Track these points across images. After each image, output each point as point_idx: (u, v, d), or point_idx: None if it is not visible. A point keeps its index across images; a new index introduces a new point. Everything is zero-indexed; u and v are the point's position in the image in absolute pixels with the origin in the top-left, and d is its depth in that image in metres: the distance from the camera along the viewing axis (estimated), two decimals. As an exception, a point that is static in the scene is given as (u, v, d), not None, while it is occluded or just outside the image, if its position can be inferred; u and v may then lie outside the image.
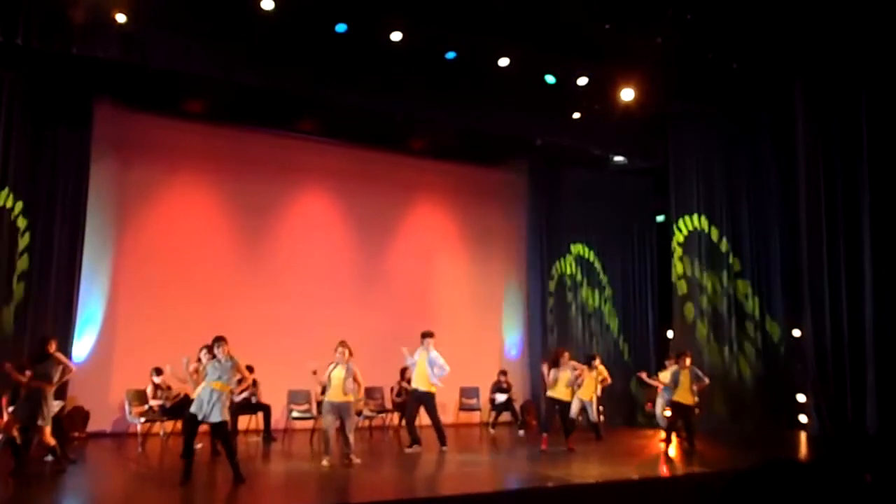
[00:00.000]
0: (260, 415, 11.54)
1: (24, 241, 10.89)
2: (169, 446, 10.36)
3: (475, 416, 14.11)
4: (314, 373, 9.16)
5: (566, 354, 11.08)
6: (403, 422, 12.73)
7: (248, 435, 11.64)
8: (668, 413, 11.48)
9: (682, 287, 13.91)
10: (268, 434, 11.35)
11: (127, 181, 12.14)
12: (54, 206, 11.15)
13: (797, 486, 1.67)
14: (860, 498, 1.65)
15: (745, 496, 1.69)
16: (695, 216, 13.96)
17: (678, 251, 14.00)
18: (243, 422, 11.68)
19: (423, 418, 10.52)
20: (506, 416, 13.40)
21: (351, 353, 9.20)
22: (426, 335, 10.54)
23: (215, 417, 7.87)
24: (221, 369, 7.96)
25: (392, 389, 12.96)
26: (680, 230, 14.01)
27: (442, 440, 10.32)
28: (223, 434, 8.03)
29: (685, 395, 10.77)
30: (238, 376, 8.20)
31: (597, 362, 12.35)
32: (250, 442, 11.24)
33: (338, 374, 9.07)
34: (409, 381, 12.82)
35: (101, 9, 9.55)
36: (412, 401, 10.68)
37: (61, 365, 8.45)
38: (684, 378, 10.83)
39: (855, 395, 11.92)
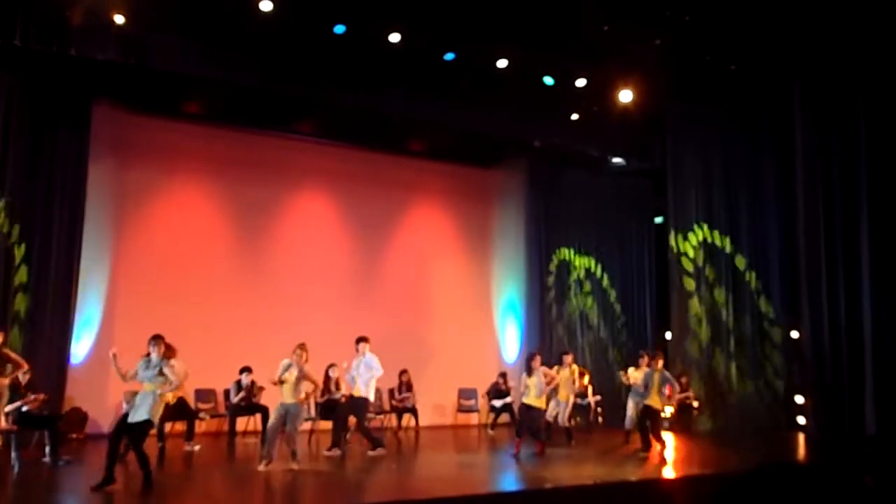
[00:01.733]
0: (258, 416, 11.51)
1: (21, 242, 10.86)
2: (166, 448, 10.34)
3: (473, 418, 14.10)
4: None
5: (538, 359, 10.57)
6: (405, 423, 12.75)
7: (246, 436, 11.61)
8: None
9: (679, 289, 13.90)
10: (265, 436, 11.30)
11: (125, 182, 12.13)
12: (52, 208, 11.13)
13: (796, 489, 1.66)
14: (860, 501, 1.65)
15: (743, 499, 1.69)
16: (692, 218, 13.96)
17: (675, 252, 14.00)
18: (241, 423, 11.66)
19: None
20: (505, 418, 13.38)
21: (307, 358, 8.92)
22: (363, 339, 10.19)
23: (140, 416, 7.26)
24: (152, 370, 7.41)
25: (391, 392, 12.95)
26: (678, 232, 14.00)
27: (374, 443, 10.09)
28: (140, 435, 7.34)
29: (654, 399, 10.35)
30: (166, 382, 7.47)
31: (569, 360, 11.66)
32: (248, 443, 11.21)
33: (291, 375, 8.80)
34: (409, 385, 12.84)
35: (99, 10, 9.55)
36: (346, 408, 10.36)
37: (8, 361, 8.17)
38: (656, 380, 10.37)
39: (853, 397, 11.93)
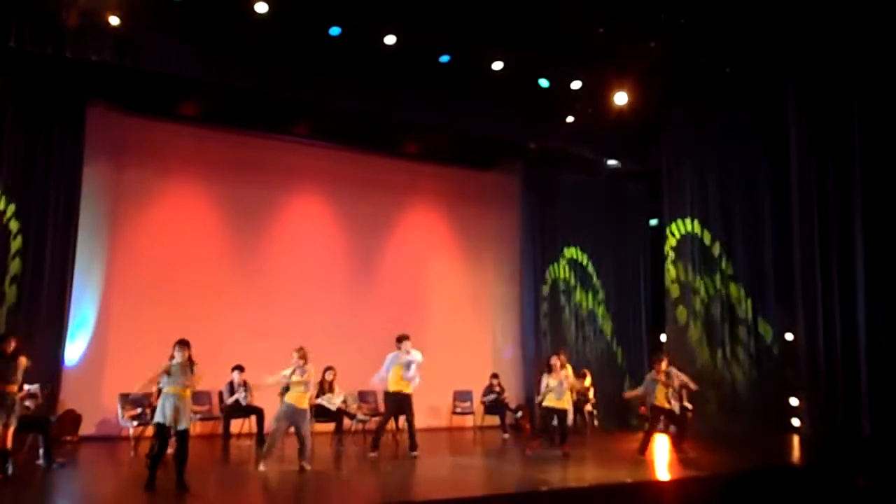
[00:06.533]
0: (252, 418, 11.48)
1: (16, 244, 10.84)
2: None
3: (468, 420, 14.09)
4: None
5: (559, 358, 10.86)
6: (400, 426, 12.77)
7: (241, 439, 11.58)
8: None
9: (675, 291, 13.93)
10: (261, 437, 11.27)
11: (120, 184, 12.10)
12: (47, 209, 11.11)
13: (791, 491, 1.67)
14: (853, 502, 1.65)
15: (739, 501, 1.69)
16: (688, 220, 14.00)
17: (671, 255, 14.03)
18: (236, 425, 11.62)
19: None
20: (494, 420, 13.35)
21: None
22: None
23: (187, 422, 7.72)
24: (185, 374, 7.77)
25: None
26: (673, 234, 14.04)
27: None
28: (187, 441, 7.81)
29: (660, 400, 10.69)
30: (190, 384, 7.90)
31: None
32: (243, 446, 11.19)
33: (298, 378, 8.91)
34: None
35: (94, 11, 9.53)
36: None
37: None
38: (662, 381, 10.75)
39: (848, 398, 11.96)
